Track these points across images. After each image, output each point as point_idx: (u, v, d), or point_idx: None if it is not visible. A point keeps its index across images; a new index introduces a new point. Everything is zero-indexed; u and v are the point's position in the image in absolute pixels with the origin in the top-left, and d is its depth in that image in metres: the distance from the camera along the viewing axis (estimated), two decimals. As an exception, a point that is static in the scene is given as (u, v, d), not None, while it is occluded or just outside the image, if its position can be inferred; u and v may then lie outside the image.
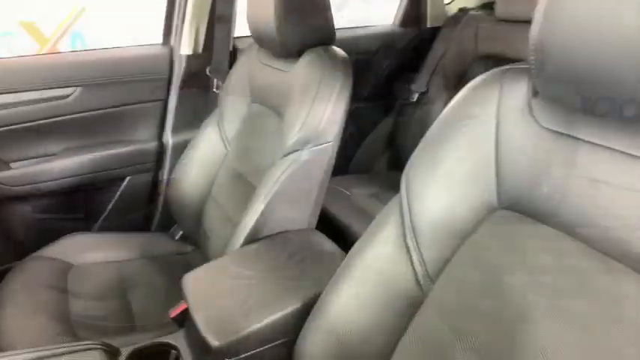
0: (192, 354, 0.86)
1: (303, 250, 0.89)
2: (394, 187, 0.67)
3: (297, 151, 0.95)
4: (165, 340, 0.90)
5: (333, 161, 1.00)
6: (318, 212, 1.05)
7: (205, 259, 1.24)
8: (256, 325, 0.74)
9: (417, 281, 0.63)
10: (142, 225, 1.49)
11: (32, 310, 1.02)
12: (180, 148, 1.36)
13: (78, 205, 1.41)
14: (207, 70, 1.41)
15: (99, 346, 0.84)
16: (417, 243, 0.62)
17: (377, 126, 1.87)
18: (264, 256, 0.89)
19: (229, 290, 0.82)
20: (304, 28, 1.02)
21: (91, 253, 1.24)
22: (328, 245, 0.92)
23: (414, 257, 0.62)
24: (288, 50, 1.03)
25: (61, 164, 1.32)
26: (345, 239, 1.36)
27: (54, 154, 1.34)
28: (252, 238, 0.96)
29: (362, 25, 1.89)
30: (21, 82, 1.23)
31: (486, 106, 0.58)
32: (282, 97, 1.04)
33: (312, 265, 0.84)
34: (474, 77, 0.64)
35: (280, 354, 0.76)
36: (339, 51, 1.03)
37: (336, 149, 0.99)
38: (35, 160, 1.32)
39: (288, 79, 1.03)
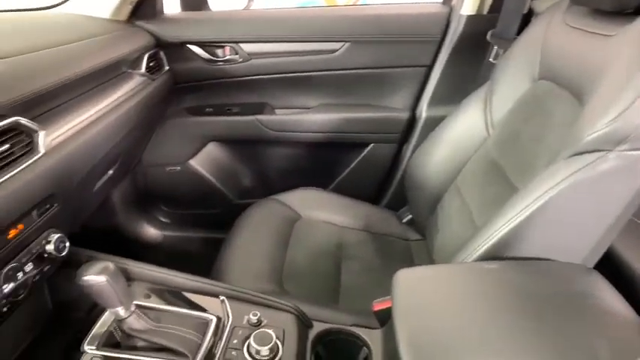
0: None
1: (574, 299, 0.59)
2: None
3: (598, 151, 0.64)
4: (360, 334, 0.78)
5: None
6: (604, 249, 0.72)
7: (430, 254, 1.07)
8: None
9: None
10: (373, 197, 1.41)
11: (255, 247, 1.06)
12: (433, 124, 1.19)
13: (319, 161, 1.43)
14: (488, 35, 1.17)
15: (295, 312, 0.78)
16: None
17: None
18: (512, 286, 0.64)
19: (452, 312, 0.61)
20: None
21: (320, 210, 1.23)
22: (617, 303, 0.59)
23: None
24: (625, 2, 0.69)
25: (314, 118, 1.34)
26: (627, 287, 0.96)
27: (309, 108, 1.37)
28: (495, 253, 0.72)
29: None
30: (297, 32, 1.26)
31: None
32: (590, 73, 0.73)
33: (584, 329, 0.55)
34: None
35: None
36: None
37: (668, 161, 0.63)
38: (295, 110, 1.37)
39: (611, 46, 0.71)
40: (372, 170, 1.40)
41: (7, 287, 0.65)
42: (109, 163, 1.07)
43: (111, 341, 0.70)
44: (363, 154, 1.38)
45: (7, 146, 0.69)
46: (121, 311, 0.67)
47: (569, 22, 0.86)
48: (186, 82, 1.33)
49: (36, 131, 0.73)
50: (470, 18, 1.18)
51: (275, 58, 1.29)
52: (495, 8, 1.16)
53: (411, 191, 1.19)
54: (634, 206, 0.67)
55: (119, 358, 0.67)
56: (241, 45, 1.28)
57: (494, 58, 1.16)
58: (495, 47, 1.16)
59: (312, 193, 1.28)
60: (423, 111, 1.30)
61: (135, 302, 0.69)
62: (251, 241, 1.10)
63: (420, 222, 1.19)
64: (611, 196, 0.65)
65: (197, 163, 1.43)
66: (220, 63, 1.30)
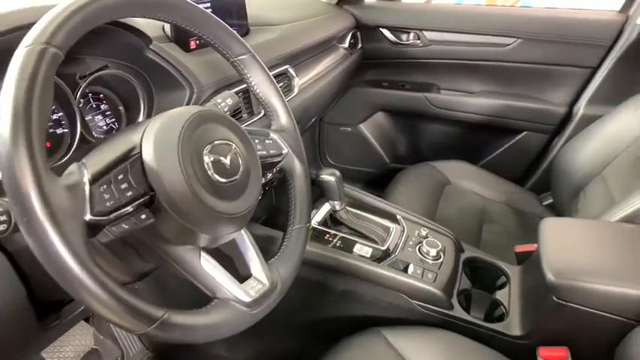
0: (521, 287, 0.92)
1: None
2: None
3: None
4: (501, 265, 0.99)
5: None
6: None
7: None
8: (604, 287, 0.71)
9: None
10: (518, 178, 1.56)
11: (412, 196, 1.31)
12: (588, 121, 1.32)
13: (473, 139, 1.63)
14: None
15: (453, 238, 1.02)
16: None
17: None
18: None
19: (587, 247, 0.80)
20: None
21: (469, 181, 1.43)
22: None
23: None
24: None
25: (476, 102, 1.54)
26: None
27: (472, 93, 1.57)
28: (633, 219, 0.88)
29: None
30: (476, 26, 1.47)
31: None
32: None
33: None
34: None
35: (612, 328, 0.71)
36: None
37: None
38: (457, 92, 1.59)
39: None
40: (522, 155, 1.56)
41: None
42: (316, 113, 1.41)
43: (324, 224, 1.02)
44: (515, 140, 1.55)
45: (280, 84, 1.03)
46: (337, 205, 0.99)
47: None
48: (372, 59, 1.63)
49: (294, 77, 1.07)
50: (647, 26, 1.28)
51: (451, 46, 1.52)
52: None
53: (557, 178, 1.33)
54: None
55: (332, 232, 0.98)
56: (424, 32, 1.53)
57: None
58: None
59: (463, 165, 1.48)
60: (581, 108, 1.42)
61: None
62: (408, 191, 1.35)
63: (560, 206, 1.33)
64: None
65: (365, 127, 1.73)
66: (403, 46, 1.57)
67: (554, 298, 0.74)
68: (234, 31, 0.63)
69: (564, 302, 0.74)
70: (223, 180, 0.50)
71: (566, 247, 0.82)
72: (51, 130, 0.64)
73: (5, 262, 0.50)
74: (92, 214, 0.40)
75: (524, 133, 1.53)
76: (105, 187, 0.42)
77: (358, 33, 1.57)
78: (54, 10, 0.41)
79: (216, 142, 0.50)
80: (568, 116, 1.46)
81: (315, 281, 0.93)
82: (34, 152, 0.35)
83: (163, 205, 0.45)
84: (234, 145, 0.52)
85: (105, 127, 0.74)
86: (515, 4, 3.30)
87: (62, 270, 0.36)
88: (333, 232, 0.98)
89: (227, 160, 0.51)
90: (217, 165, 0.50)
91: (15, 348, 0.57)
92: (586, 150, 1.25)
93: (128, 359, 1.18)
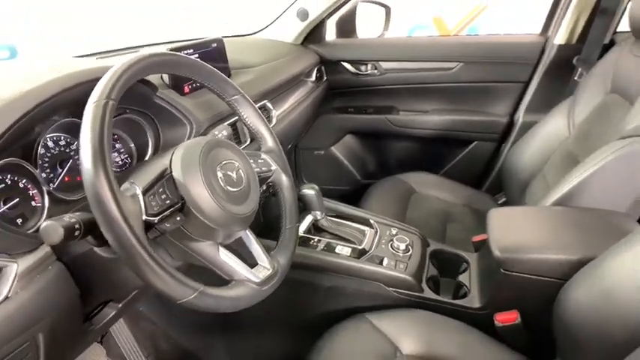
0: (479, 269, 1.09)
1: (605, 225, 0.94)
2: None
3: (635, 137, 0.97)
4: (462, 254, 1.17)
5: None
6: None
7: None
8: (537, 256, 0.89)
9: None
10: (474, 183, 1.76)
11: (383, 208, 1.48)
12: (527, 127, 1.53)
13: (432, 152, 1.84)
14: (575, 60, 1.51)
15: (419, 235, 1.19)
16: None
17: None
18: (567, 218, 1.00)
19: (524, 227, 0.98)
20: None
21: (432, 189, 1.61)
22: (635, 227, 0.92)
23: None
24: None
25: (431, 119, 1.76)
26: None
27: (426, 111, 1.79)
28: (560, 203, 1.06)
29: None
30: (423, 54, 1.71)
31: None
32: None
33: (605, 236, 0.89)
34: None
35: (548, 289, 0.88)
36: None
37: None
38: (414, 112, 1.81)
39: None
40: (475, 162, 1.78)
41: None
42: (292, 139, 1.59)
43: (309, 232, 1.17)
44: (468, 149, 1.77)
45: (261, 117, 1.20)
46: (319, 215, 1.15)
47: (636, 52, 1.19)
48: (337, 88, 1.83)
49: (272, 109, 1.25)
50: (561, 46, 1.53)
51: (404, 73, 1.74)
52: (581, 39, 1.50)
53: (507, 179, 1.52)
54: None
55: (316, 239, 1.13)
56: (380, 63, 1.75)
57: (579, 78, 1.49)
58: (580, 69, 1.49)
59: (426, 175, 1.66)
60: (520, 117, 1.64)
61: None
62: (380, 203, 1.53)
63: (511, 203, 1.52)
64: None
65: (336, 149, 1.92)
66: (363, 76, 1.78)
67: (502, 270, 0.91)
68: (228, 78, 0.80)
69: (509, 272, 0.91)
70: (233, 189, 0.66)
71: (508, 228, 1.00)
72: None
73: (63, 268, 0.64)
74: (147, 215, 0.55)
75: (475, 142, 1.75)
76: (152, 197, 0.57)
77: (323, 67, 1.77)
78: (109, 73, 0.57)
79: (224, 162, 0.66)
80: (510, 125, 1.68)
81: (303, 281, 1.08)
82: (109, 176, 0.51)
83: (191, 210, 0.60)
84: (237, 164, 0.69)
85: (120, 162, 0.89)
86: (461, 31, 3.65)
87: (131, 253, 0.51)
88: (317, 238, 1.13)
89: (234, 174, 0.67)
90: (227, 178, 0.66)
91: (66, 342, 0.70)
92: (528, 152, 1.44)
93: (138, 377, 1.28)
